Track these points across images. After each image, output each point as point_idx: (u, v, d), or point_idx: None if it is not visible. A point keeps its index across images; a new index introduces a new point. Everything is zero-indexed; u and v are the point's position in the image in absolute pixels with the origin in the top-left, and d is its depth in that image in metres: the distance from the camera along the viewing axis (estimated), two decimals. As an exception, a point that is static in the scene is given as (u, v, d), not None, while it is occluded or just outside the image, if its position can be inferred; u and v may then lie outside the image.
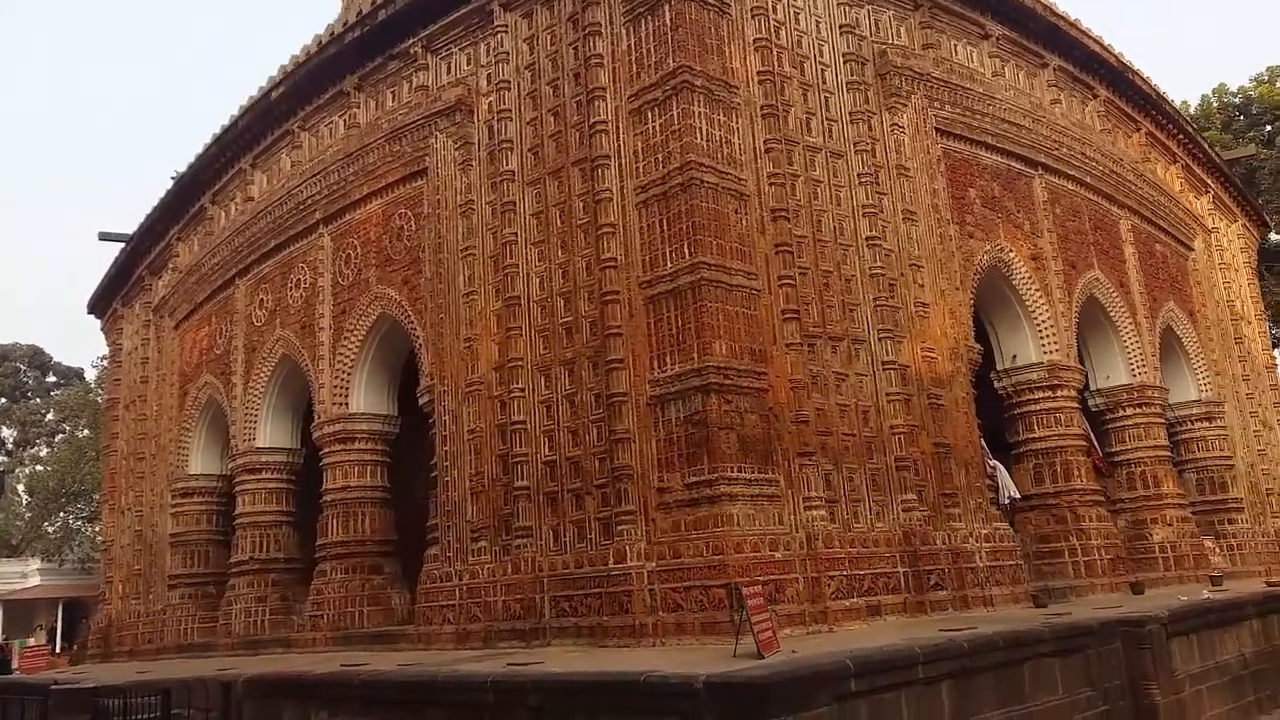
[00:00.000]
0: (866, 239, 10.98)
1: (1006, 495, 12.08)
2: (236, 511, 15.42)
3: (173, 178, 17.85)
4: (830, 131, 11.11)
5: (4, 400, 56.73)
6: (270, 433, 15.36)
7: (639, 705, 6.65)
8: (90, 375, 50.57)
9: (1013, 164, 13.48)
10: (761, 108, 10.44)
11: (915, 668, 7.08)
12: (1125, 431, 14.94)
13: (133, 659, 17.31)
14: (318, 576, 13.46)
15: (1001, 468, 12.34)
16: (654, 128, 10.01)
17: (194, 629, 16.29)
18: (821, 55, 11.37)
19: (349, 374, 13.55)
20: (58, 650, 35.12)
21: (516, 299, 10.99)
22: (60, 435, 51.54)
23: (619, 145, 10.27)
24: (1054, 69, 14.79)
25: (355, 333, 13.43)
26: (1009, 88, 13.86)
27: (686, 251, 9.49)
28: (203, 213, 17.18)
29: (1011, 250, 13.01)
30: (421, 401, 12.17)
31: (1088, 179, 14.78)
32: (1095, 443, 13.96)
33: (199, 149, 16.90)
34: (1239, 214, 19.76)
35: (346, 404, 13.55)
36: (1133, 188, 15.91)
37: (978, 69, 13.48)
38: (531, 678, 7.43)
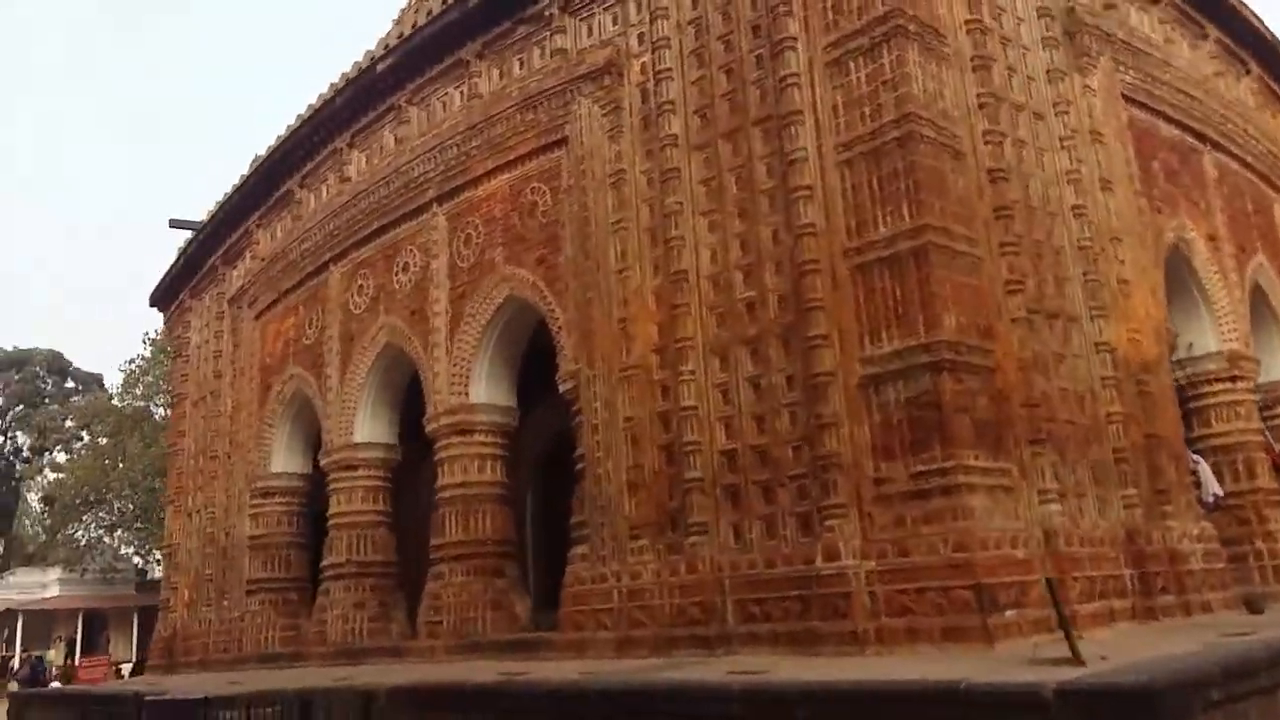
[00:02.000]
0: (1072, 208, 10.00)
1: (1210, 493, 11.06)
2: (330, 511, 14.38)
3: (253, 162, 16.88)
4: (1030, 90, 10.14)
5: (22, 406, 55.66)
6: (369, 427, 14.32)
7: (956, 719, 5.62)
8: (112, 380, 49.57)
9: (1187, 137, 12.50)
10: (971, 58, 9.46)
11: (1259, 675, 6.05)
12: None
13: (204, 670, 16.23)
14: (433, 579, 12.41)
15: (1204, 463, 11.32)
16: (858, 79, 9.02)
17: (276, 637, 15.22)
18: (1016, 8, 10.41)
19: (469, 362, 12.54)
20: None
21: (683, 274, 9.98)
22: (80, 442, 50.35)
23: (814, 100, 9.28)
24: (1214, 40, 13.84)
25: (478, 318, 12.42)
26: (1180, 57, 12.91)
27: (906, 213, 8.49)
28: (289, 196, 16.19)
29: (1192, 229, 12.03)
30: (563, 388, 11.16)
31: (1249, 158, 13.82)
32: (1270, 439, 12.94)
33: (283, 130, 15.97)
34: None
35: (466, 394, 12.53)
36: (1286, 171, 14.95)
37: (1151, 35, 12.52)
38: (797, 686, 6.38)
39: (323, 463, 14.61)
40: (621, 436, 10.34)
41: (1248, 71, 14.73)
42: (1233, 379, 12.27)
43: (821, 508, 8.58)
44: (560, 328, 11.29)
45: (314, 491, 16.15)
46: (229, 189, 17.32)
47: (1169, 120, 12.16)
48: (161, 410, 37.62)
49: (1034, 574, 8.03)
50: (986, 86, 9.44)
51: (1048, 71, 10.40)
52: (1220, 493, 11.33)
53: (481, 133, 12.54)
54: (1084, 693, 5.18)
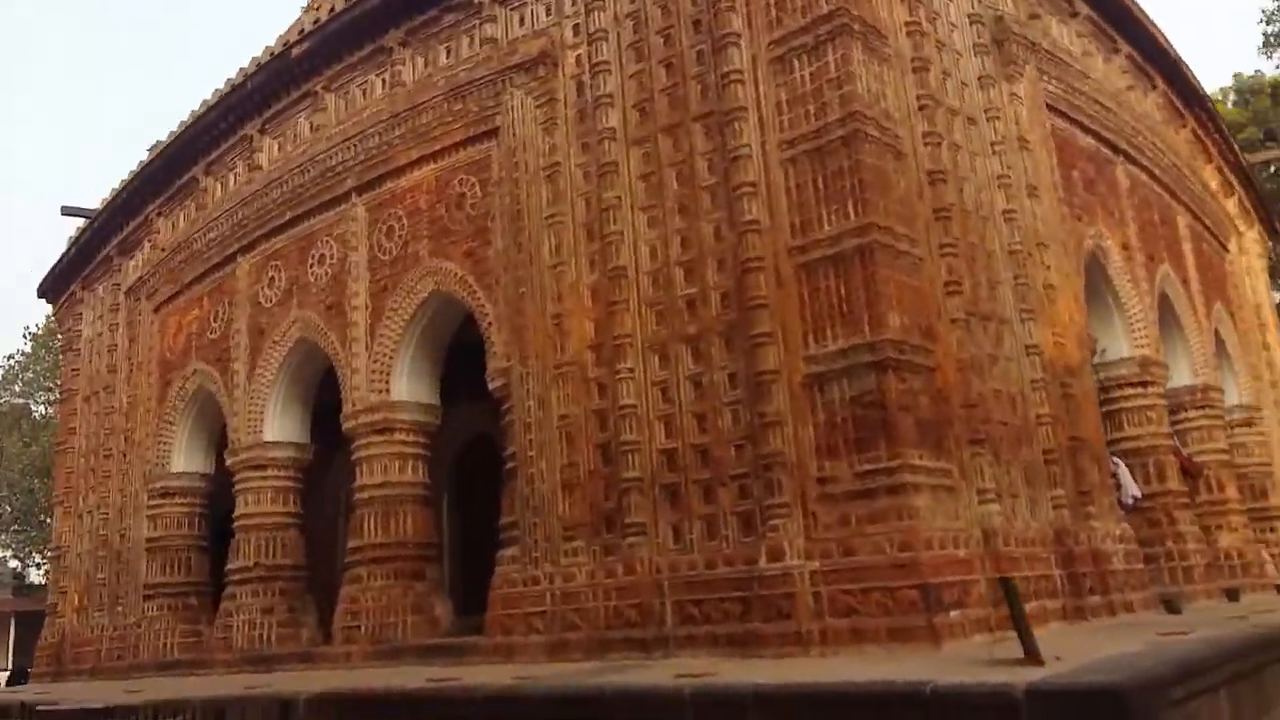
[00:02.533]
0: (1003, 212, 10.15)
1: (1129, 495, 11.35)
2: (237, 512, 13.75)
3: (151, 149, 16.11)
4: (964, 95, 10.26)
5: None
6: (279, 425, 13.76)
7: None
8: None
9: (1102, 148, 12.85)
10: (911, 60, 9.53)
11: (1208, 674, 6.15)
12: (1188, 434, 14.42)
13: (96, 678, 15.39)
14: (350, 583, 11.96)
15: (1123, 465, 11.62)
16: (803, 76, 8.97)
17: (175, 644, 14.50)
18: (949, 14, 10.53)
19: (391, 358, 12.12)
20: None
21: (621, 270, 9.81)
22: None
23: (758, 96, 9.20)
24: (1124, 56, 14.29)
25: (400, 312, 12.01)
26: (1096, 69, 13.28)
27: (851, 211, 8.47)
28: (193, 184, 15.47)
29: (1108, 237, 12.35)
30: (493, 385, 10.86)
31: (1156, 170, 14.28)
32: (1178, 443, 13.39)
33: (188, 115, 15.27)
34: (1255, 219, 19.69)
35: (387, 390, 12.10)
36: (1188, 183, 15.52)
37: (1071, 47, 12.84)
38: (751, 689, 6.24)
39: (229, 462, 13.98)
40: (556, 435, 10.10)
41: (1154, 87, 15.25)
42: (1144, 384, 12.64)
43: (765, 507, 8.49)
44: (490, 323, 10.99)
45: (217, 492, 15.50)
46: (127, 175, 16.47)
47: (1086, 130, 12.48)
48: (42, 408, 35.78)
49: (975, 574, 8.10)
50: (925, 89, 9.51)
51: (979, 78, 10.54)
52: (1139, 494, 11.65)
53: (405, 122, 12.14)
54: (1055, 693, 5.16)
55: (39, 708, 11.03)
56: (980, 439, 8.79)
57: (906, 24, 9.63)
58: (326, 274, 13.04)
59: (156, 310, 15.89)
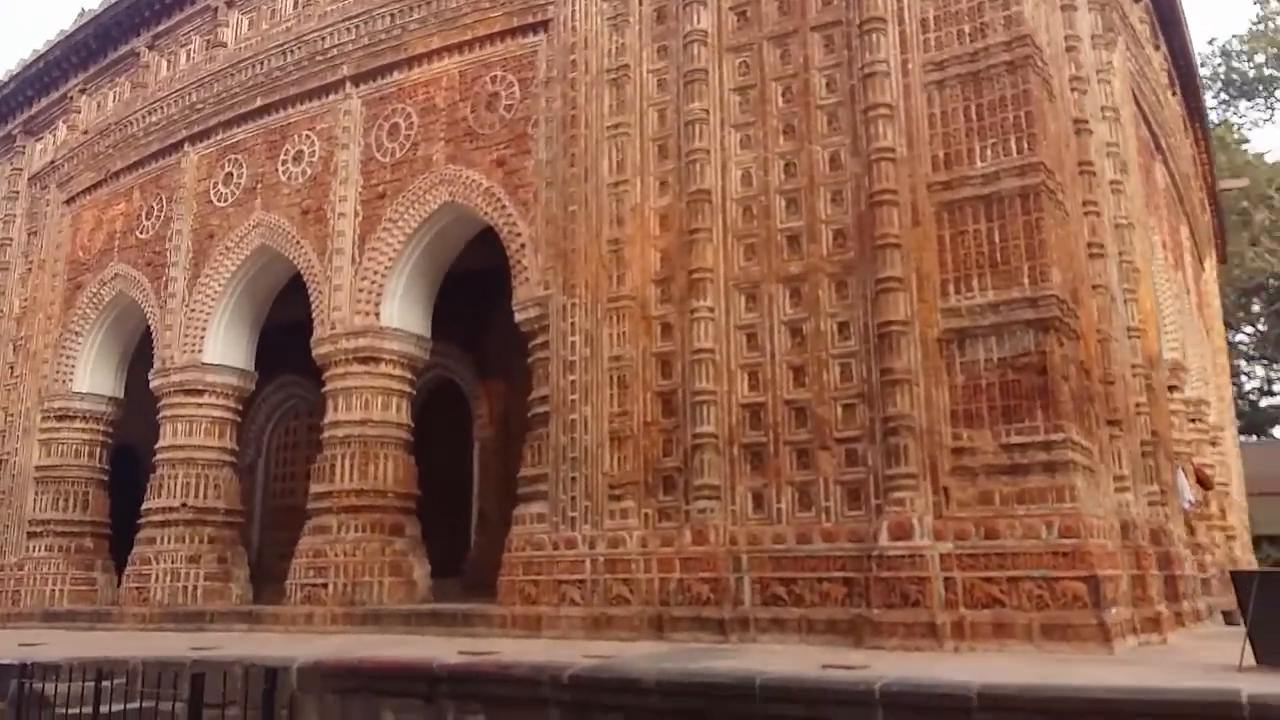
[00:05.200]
0: (1110, 182, 9.30)
1: (1185, 499, 10.71)
2: (161, 444, 11.74)
3: (81, 14, 13.73)
4: (1080, 52, 9.34)
5: None
6: (221, 346, 11.81)
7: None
8: None
9: (1149, 141, 12.26)
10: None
11: None
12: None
13: (-43, 628, 13.02)
14: (315, 533, 10.22)
15: (1180, 469, 10.97)
16: (958, -9, 7.87)
17: (65, 590, 12.38)
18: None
19: (383, 276, 10.44)
20: None
21: (703, 195, 8.49)
22: None
23: (899, 8, 8.03)
24: (1163, 54, 13.80)
25: (401, 224, 10.34)
26: (1154, 60, 12.68)
27: (1014, 147, 7.41)
28: (132, 60, 13.26)
29: (1156, 232, 11.76)
30: (523, 317, 9.36)
31: (1176, 176, 13.93)
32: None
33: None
34: (1215, 244, 19.79)
35: (376, 314, 10.42)
36: (1191, 195, 15.25)
37: (1136, 29, 12.17)
38: (975, 689, 5.06)
39: (155, 383, 11.91)
40: (605, 378, 8.70)
41: (1174, 93, 14.87)
42: (1171, 388, 12.10)
43: (886, 477, 7.34)
44: (523, 244, 9.48)
45: (122, 419, 13.37)
46: (45, 43, 14.04)
47: (1145, 120, 11.85)
48: None
49: (1120, 569, 7.16)
50: (1072, 29, 8.58)
51: (1093, 36, 9.67)
52: (1195, 499, 11.06)
53: (427, 4, 10.47)
54: None
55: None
56: (1117, 419, 7.89)
57: (1057, -43, 8.66)
58: (303, 173, 11.20)
59: (69, 201, 13.56)
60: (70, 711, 7.41)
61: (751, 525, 7.85)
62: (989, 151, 7.51)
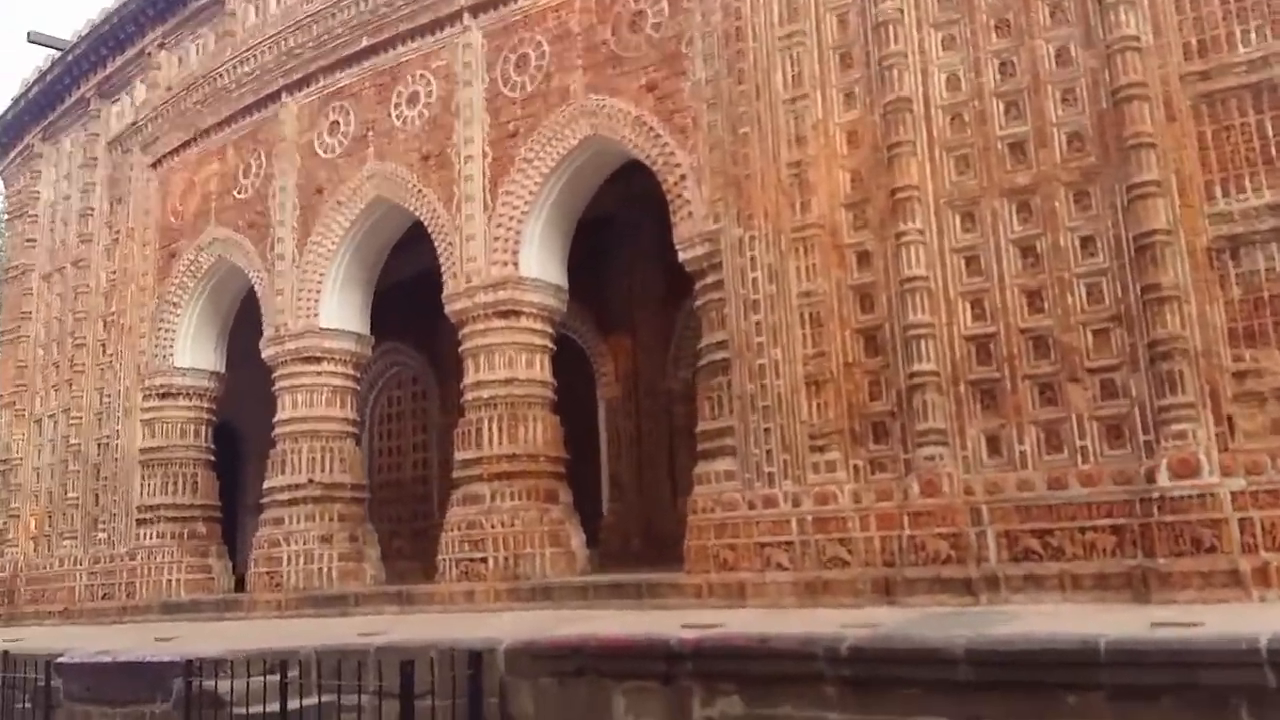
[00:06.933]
0: None
1: None
2: (281, 416, 10.99)
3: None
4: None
5: None
6: (338, 309, 11.03)
7: None
8: None
9: None
10: None
11: None
12: None
13: (67, 620, 12.46)
14: (467, 503, 9.46)
15: None
16: None
17: (182, 580, 11.71)
18: None
19: (519, 223, 9.58)
20: None
21: (903, 104, 7.52)
22: None
23: (1133, -128, 7.00)
24: None
25: (537, 164, 9.47)
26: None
27: (1292, 25, 6.42)
28: (216, 7, 12.42)
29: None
30: (688, 255, 8.48)
31: None
32: None
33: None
34: None
35: (515, 264, 9.57)
36: None
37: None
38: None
39: (268, 352, 11.15)
40: (796, 318, 7.81)
41: None
42: None
43: (1159, 409, 6.41)
44: (684, 175, 8.57)
45: (224, 396, 12.66)
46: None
47: None
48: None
49: None
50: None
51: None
52: None
53: (553, -81, 9.54)
54: None
55: (60, 661, 8.19)
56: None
57: None
58: (420, 116, 10.34)
59: (155, 165, 12.76)
60: (252, 710, 6.73)
61: (989, 472, 6.96)
62: (1253, 35, 6.53)
